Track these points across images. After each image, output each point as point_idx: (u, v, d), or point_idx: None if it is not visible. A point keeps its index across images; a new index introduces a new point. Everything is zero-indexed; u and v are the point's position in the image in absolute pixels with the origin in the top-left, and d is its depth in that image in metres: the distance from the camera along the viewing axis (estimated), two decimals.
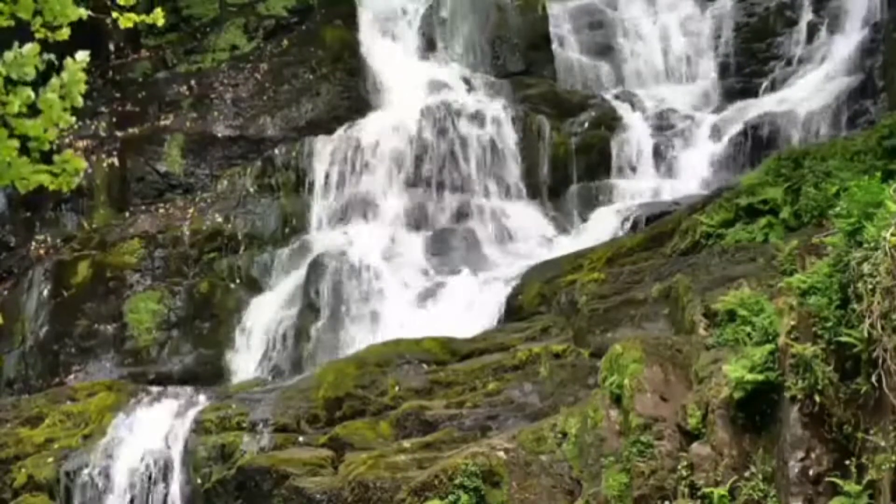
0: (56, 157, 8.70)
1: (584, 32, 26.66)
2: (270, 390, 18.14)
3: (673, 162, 23.42)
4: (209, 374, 20.80)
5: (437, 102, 23.73)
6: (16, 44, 8.44)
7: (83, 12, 8.75)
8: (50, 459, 17.28)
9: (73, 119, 8.61)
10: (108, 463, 17.03)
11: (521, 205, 23.04)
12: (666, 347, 14.89)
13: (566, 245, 21.48)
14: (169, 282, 21.92)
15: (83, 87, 8.53)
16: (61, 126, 8.52)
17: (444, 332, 18.88)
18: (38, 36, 8.76)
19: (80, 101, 8.58)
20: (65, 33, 8.74)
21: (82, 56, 8.43)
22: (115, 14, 9.45)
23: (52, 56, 8.58)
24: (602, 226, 21.67)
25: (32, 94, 8.38)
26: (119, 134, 24.11)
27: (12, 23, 8.77)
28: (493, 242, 22.22)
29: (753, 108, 23.61)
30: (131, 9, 9.59)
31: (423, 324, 19.65)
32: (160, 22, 9.44)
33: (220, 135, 23.99)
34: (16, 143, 8.54)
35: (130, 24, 9.48)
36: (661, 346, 14.90)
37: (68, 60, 8.47)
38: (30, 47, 8.31)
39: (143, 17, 9.49)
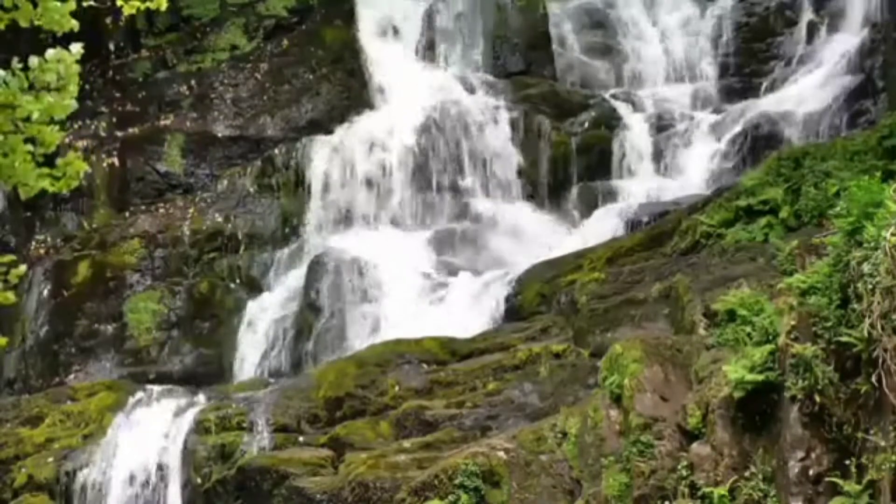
0: (59, 161, 8.75)
1: (584, 32, 26.63)
2: (270, 390, 18.15)
3: (673, 162, 23.41)
4: (209, 374, 20.80)
5: (437, 102, 23.73)
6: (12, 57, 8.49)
7: (75, 24, 8.82)
8: (50, 459, 17.28)
9: (74, 103, 8.65)
10: (108, 463, 17.05)
11: (521, 205, 23.04)
12: (666, 347, 14.89)
13: (566, 245, 21.47)
14: (169, 282, 21.92)
15: (77, 69, 8.57)
16: (59, 115, 8.55)
17: (444, 332, 18.88)
18: (37, 23, 8.81)
19: (73, 104, 8.61)
20: (74, 24, 8.81)
21: (76, 48, 8.48)
22: (119, 2, 9.49)
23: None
24: (602, 226, 21.65)
25: (52, 99, 8.44)
26: (119, 134, 24.10)
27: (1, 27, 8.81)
28: (493, 242, 22.21)
29: (753, 108, 23.59)
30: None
31: (423, 324, 19.64)
32: (163, 6, 9.47)
33: (220, 135, 23.99)
34: (30, 147, 8.61)
35: (133, 11, 9.52)
36: (661, 346, 14.90)
37: (63, 53, 8.51)
38: (53, 53, 8.38)
39: (146, 3, 9.53)
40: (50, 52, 8.41)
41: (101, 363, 21.13)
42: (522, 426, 15.58)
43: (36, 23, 8.76)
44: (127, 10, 9.57)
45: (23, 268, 9.46)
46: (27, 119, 8.50)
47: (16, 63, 8.39)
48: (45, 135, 8.49)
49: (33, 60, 8.37)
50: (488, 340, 18.40)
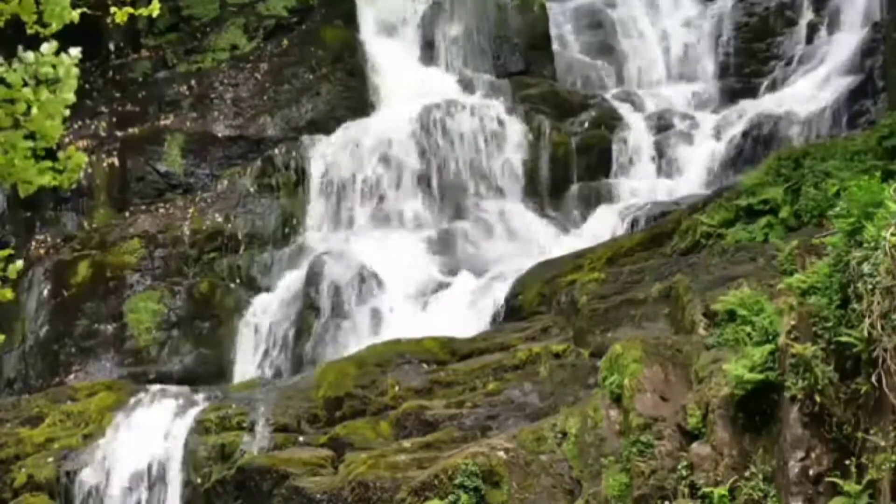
0: (60, 154, 8.76)
1: (584, 32, 26.67)
2: (270, 390, 18.15)
3: (673, 162, 23.41)
4: (209, 374, 20.81)
5: (437, 102, 23.72)
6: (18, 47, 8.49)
7: (76, 16, 8.83)
8: (50, 459, 17.28)
9: (72, 96, 8.65)
10: (108, 463, 17.05)
11: (521, 205, 23.03)
12: (666, 347, 14.89)
13: (566, 245, 21.47)
14: (169, 282, 21.92)
15: (76, 73, 8.58)
16: (58, 109, 8.56)
17: (444, 332, 18.88)
18: (29, 32, 8.83)
19: (72, 97, 8.61)
20: (75, 16, 8.82)
21: (75, 52, 8.50)
22: (113, 9, 9.51)
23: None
24: (602, 226, 21.67)
25: (47, 92, 8.45)
26: (119, 134, 24.11)
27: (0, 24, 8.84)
28: (493, 242, 22.21)
29: (753, 108, 23.61)
30: (130, 6, 9.64)
31: (423, 324, 19.65)
32: (155, 13, 9.47)
33: (220, 135, 23.99)
34: (30, 143, 8.61)
35: (125, 19, 9.53)
36: (661, 346, 14.90)
37: (62, 56, 8.53)
38: (49, 47, 8.39)
39: (140, 10, 9.54)
40: (45, 46, 8.42)
41: (101, 363, 21.14)
42: (522, 426, 15.57)
43: (30, 31, 8.77)
44: (119, 18, 9.58)
45: (20, 263, 9.46)
46: (27, 113, 8.49)
47: (21, 52, 8.40)
48: (46, 129, 8.49)
49: (28, 56, 8.36)
50: (488, 340, 18.40)
